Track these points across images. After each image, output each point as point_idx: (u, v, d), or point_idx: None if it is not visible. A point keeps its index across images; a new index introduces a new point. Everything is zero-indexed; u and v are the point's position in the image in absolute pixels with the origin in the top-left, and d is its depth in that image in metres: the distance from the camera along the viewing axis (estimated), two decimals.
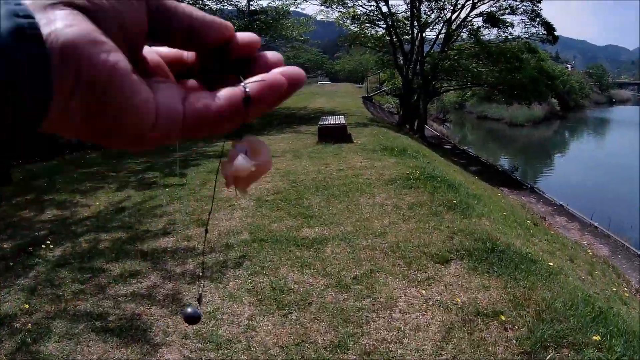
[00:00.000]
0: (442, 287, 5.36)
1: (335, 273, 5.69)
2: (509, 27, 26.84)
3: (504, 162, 31.75)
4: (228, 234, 6.99)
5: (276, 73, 0.48)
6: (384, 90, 38.45)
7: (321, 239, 6.69)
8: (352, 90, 43.59)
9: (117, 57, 0.40)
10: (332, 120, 15.40)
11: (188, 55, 0.53)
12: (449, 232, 6.94)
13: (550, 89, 28.21)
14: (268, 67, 0.50)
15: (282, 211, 7.91)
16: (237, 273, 5.77)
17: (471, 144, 39.90)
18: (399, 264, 5.94)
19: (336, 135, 14.22)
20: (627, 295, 8.71)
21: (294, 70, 0.49)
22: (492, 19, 26.27)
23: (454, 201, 8.25)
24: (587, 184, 25.70)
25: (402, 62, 26.34)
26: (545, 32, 26.92)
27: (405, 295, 5.20)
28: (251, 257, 6.16)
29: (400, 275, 5.63)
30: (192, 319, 0.74)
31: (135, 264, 6.13)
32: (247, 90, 0.46)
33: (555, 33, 26.96)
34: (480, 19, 27.37)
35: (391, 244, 6.51)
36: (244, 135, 0.52)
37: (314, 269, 5.80)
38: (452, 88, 31.15)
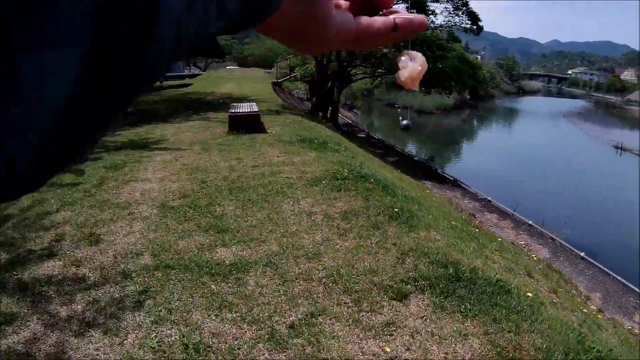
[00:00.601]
0: (408, 337, 4.14)
1: (266, 318, 4.35)
2: (430, 15, 25.82)
3: (412, 148, 31.23)
4: (126, 256, 5.50)
5: (412, 16, 0.62)
6: (295, 76, 37.29)
7: (241, 264, 5.32)
8: (262, 76, 41.57)
9: None
10: (244, 107, 13.89)
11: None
12: (398, 251, 5.77)
13: (472, 79, 27.55)
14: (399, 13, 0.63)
15: (190, 222, 6.47)
16: (138, 319, 4.32)
17: (380, 130, 39.23)
18: (345, 302, 4.67)
19: (248, 125, 12.79)
20: (599, 317, 7.89)
21: (422, 17, 0.63)
22: (417, 5, 25.20)
23: (395, 208, 7.10)
24: (498, 173, 25.53)
25: None
26: (469, 22, 26.06)
27: (362, 353, 3.92)
28: (155, 293, 4.72)
29: (351, 321, 4.37)
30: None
31: (13, 304, 4.57)
32: (396, 21, 0.60)
33: (480, 23, 26.16)
34: (403, 5, 26.32)
35: (330, 271, 5.24)
36: (402, 50, 0.69)
37: (236, 313, 4.43)
38: (368, 75, 29.93)
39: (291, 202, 7.28)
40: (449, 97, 37.30)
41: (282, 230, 6.27)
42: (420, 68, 0.68)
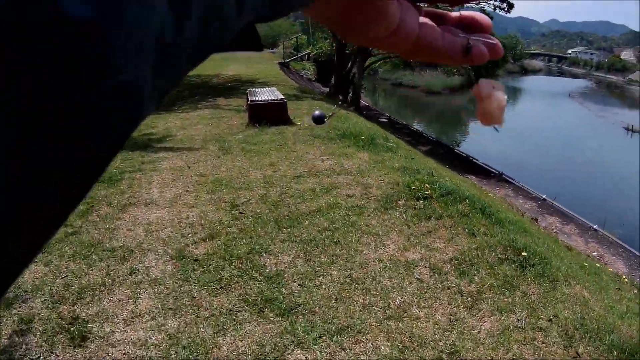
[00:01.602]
0: None
1: None
2: None
3: (421, 128, 28.76)
4: None
5: (494, 41, 0.51)
6: (303, 56, 34.92)
7: None
8: (267, 56, 38.57)
9: None
10: (264, 94, 11.32)
11: None
12: (561, 333, 3.79)
13: (503, 59, 25.18)
14: (481, 28, 0.52)
15: (231, 292, 4.05)
16: None
17: (386, 110, 37.06)
18: None
19: (273, 115, 10.32)
20: None
21: (499, 45, 0.51)
22: None
23: (523, 252, 4.83)
24: (517, 157, 23.72)
25: None
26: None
27: None
28: None
29: None
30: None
31: None
32: (471, 44, 0.48)
33: (511, 1, 23.43)
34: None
35: None
36: (479, 79, 0.55)
37: None
38: (389, 57, 26.82)
39: (373, 244, 4.93)
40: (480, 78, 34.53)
41: (381, 304, 3.91)
42: (505, 97, 0.56)
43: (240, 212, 5.58)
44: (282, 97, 10.86)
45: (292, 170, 7.14)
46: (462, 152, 19.44)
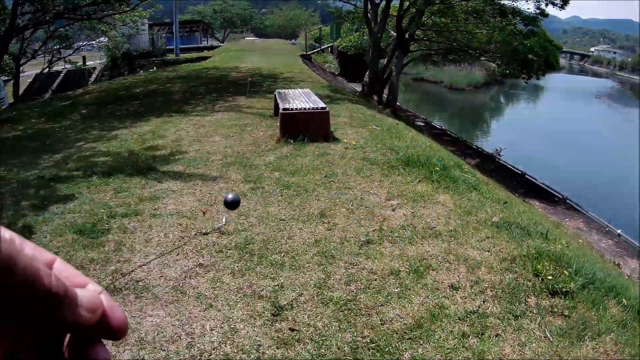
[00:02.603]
0: None
1: None
2: None
3: (453, 129, 26.25)
4: None
5: None
6: (326, 48, 32.27)
7: None
8: (287, 48, 35.57)
9: None
10: (298, 99, 8.77)
11: None
12: None
13: (555, 60, 22.45)
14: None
15: None
16: None
17: (407, 105, 34.82)
18: None
19: (312, 129, 8.04)
20: None
21: None
22: None
23: None
24: (556, 165, 21.41)
25: (371, 15, 18.47)
26: None
27: None
28: None
29: None
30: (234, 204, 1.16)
31: None
32: None
33: None
34: None
35: None
36: None
37: None
38: (431, 51, 23.81)
39: None
40: (526, 82, 31.16)
41: None
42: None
43: (291, 329, 3.34)
44: (323, 104, 8.52)
45: (355, 228, 4.92)
46: (516, 168, 16.87)
